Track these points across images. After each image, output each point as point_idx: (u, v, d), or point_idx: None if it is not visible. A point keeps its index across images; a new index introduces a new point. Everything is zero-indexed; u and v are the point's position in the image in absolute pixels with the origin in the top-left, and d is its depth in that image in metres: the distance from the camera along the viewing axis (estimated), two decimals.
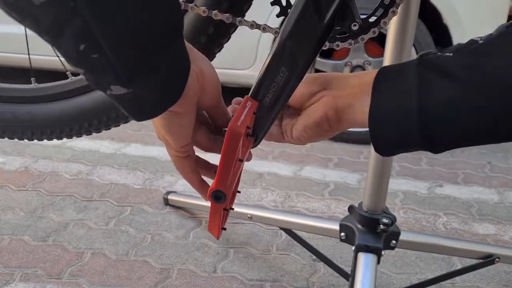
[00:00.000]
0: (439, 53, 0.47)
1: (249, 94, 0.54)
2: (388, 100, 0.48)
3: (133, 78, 0.38)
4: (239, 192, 0.58)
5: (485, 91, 0.42)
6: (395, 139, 0.48)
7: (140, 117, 0.43)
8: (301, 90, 0.54)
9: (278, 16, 0.57)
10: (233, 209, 0.54)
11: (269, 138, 0.58)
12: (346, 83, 0.53)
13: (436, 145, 0.47)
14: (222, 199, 0.48)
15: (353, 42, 0.58)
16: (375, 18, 0.57)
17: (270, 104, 0.54)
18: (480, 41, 0.45)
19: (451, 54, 0.46)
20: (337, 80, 0.54)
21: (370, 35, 0.57)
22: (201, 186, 0.55)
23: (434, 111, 0.45)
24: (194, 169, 0.54)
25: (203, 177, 0.56)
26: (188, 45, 0.43)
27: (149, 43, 0.37)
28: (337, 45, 0.56)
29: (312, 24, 0.51)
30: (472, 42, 0.46)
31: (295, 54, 0.52)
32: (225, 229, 0.53)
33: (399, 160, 1.88)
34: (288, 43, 0.52)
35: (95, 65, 0.36)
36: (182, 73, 0.43)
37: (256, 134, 0.55)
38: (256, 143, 0.55)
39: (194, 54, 0.45)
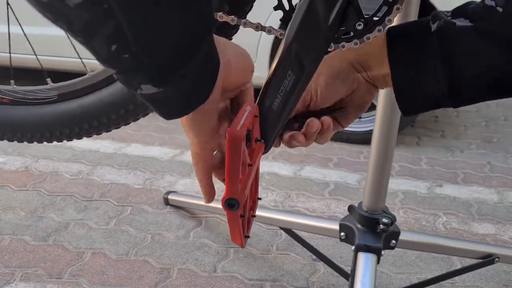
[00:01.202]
0: (453, 21, 0.48)
1: (257, 100, 0.54)
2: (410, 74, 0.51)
3: (164, 78, 0.38)
4: (259, 199, 0.58)
5: None
6: (422, 105, 0.53)
7: (169, 116, 0.44)
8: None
9: (281, 20, 0.57)
10: (254, 216, 0.53)
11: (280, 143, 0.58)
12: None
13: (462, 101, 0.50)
14: (235, 206, 0.48)
15: (358, 42, 0.57)
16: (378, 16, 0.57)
17: (279, 108, 0.53)
18: (500, 10, 0.46)
19: (470, 24, 0.47)
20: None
21: (375, 33, 0.57)
22: (207, 190, 0.55)
23: (465, 85, 0.48)
24: (208, 170, 0.53)
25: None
26: (214, 37, 0.44)
27: (181, 45, 0.38)
28: (343, 46, 0.56)
29: (316, 26, 0.51)
30: (490, 9, 0.47)
31: (301, 57, 0.52)
32: (248, 237, 0.52)
33: (399, 160, 1.89)
34: (294, 47, 0.52)
35: (126, 65, 0.37)
36: (212, 71, 0.43)
37: (266, 139, 0.54)
38: (267, 148, 0.55)
39: (221, 45, 0.45)
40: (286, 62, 0.52)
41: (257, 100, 0.54)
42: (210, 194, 0.54)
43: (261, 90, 0.55)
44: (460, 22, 0.48)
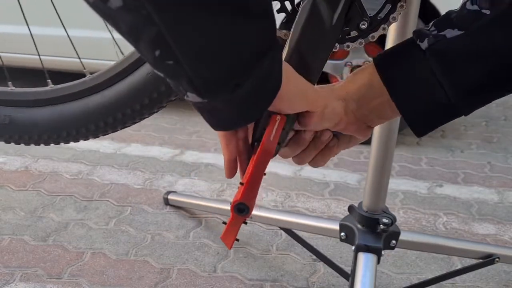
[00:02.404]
0: (441, 34, 0.47)
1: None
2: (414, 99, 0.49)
3: (209, 90, 0.37)
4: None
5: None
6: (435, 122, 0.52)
7: (216, 127, 0.43)
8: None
9: (284, 23, 0.57)
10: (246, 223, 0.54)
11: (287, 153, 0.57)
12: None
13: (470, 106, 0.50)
14: (245, 212, 0.48)
15: (363, 41, 0.57)
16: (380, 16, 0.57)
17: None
18: (487, 12, 0.46)
19: (461, 32, 0.46)
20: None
21: (380, 32, 0.57)
22: (230, 166, 0.53)
23: (467, 95, 0.48)
24: (236, 147, 0.52)
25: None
26: (284, 65, 0.42)
27: (230, 61, 0.36)
28: (348, 46, 0.56)
29: (320, 27, 0.51)
30: (476, 14, 0.46)
31: (307, 59, 0.52)
32: (238, 240, 0.53)
33: (399, 160, 1.89)
34: (299, 49, 0.52)
35: (171, 71, 0.36)
36: (267, 94, 0.42)
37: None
38: (275, 154, 0.55)
39: (288, 72, 0.44)
40: (291, 65, 0.52)
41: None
42: (231, 174, 0.53)
43: None
44: (450, 33, 0.47)
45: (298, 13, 0.52)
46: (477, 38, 0.46)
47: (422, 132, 0.52)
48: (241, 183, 0.49)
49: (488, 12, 0.45)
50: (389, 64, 0.50)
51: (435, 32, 0.48)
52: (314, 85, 0.53)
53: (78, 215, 1.42)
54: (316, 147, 0.56)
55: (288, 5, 0.57)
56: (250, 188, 0.48)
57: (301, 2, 0.53)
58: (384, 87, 0.50)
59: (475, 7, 0.46)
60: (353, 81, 0.53)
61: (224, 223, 0.52)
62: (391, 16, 0.56)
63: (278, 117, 0.50)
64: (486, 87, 0.47)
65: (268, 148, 0.47)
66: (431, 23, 0.49)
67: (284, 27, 0.56)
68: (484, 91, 0.48)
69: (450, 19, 0.48)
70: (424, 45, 0.48)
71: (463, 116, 0.50)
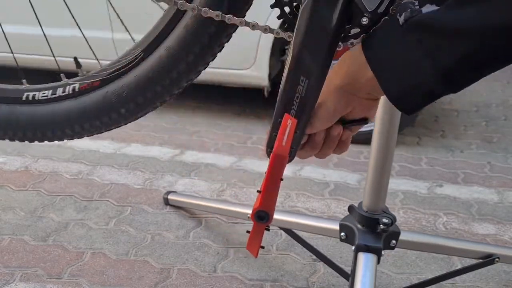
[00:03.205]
0: (418, 9, 0.48)
1: (275, 111, 0.54)
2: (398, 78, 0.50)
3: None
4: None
5: (491, 34, 0.44)
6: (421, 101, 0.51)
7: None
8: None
9: (278, 18, 0.57)
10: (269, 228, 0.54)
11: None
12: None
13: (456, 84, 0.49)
14: (265, 219, 0.48)
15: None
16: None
17: (297, 115, 0.53)
18: None
19: (436, 8, 0.46)
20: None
21: None
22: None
23: (453, 70, 0.47)
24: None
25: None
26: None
27: None
28: (351, 43, 0.56)
29: (322, 28, 0.51)
30: None
31: (311, 61, 0.52)
32: (263, 247, 0.53)
33: (399, 160, 1.89)
34: (302, 52, 0.52)
35: None
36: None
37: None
38: (290, 158, 0.55)
39: None
40: (297, 69, 0.52)
41: (275, 112, 0.54)
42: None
43: (277, 100, 0.54)
44: (427, 9, 0.47)
45: (299, 17, 0.52)
46: (450, 14, 0.45)
47: (408, 110, 0.52)
48: (259, 191, 0.49)
49: None
50: (371, 41, 0.52)
51: (416, 6, 0.48)
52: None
53: (78, 215, 1.42)
54: (330, 146, 0.57)
55: (287, 9, 0.57)
56: (268, 195, 0.48)
57: (300, 6, 0.53)
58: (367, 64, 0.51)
59: None
60: (342, 64, 0.54)
61: (248, 232, 0.52)
62: (392, 8, 0.56)
63: (289, 121, 0.50)
64: (463, 64, 0.46)
65: (281, 153, 0.47)
66: None
67: (288, 29, 0.56)
68: (462, 69, 0.47)
69: None
70: (401, 19, 0.48)
71: (451, 95, 0.50)
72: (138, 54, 0.74)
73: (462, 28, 0.44)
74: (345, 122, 0.58)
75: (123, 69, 0.76)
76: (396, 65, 0.49)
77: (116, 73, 0.77)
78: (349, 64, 0.54)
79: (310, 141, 0.57)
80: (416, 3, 0.48)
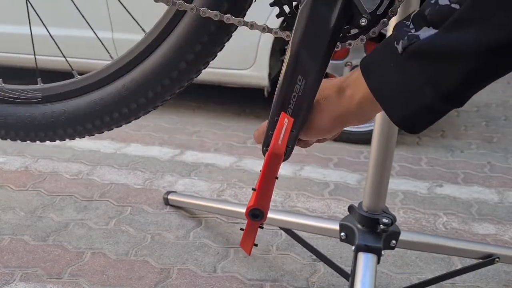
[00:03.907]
0: (415, 34, 0.47)
1: (272, 110, 0.54)
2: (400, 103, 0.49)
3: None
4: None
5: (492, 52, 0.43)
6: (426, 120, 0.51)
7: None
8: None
9: (277, 16, 0.57)
10: (262, 226, 0.54)
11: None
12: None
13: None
14: (259, 217, 0.49)
15: (364, 37, 0.57)
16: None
17: (294, 114, 0.53)
18: (456, 7, 0.44)
19: (434, 31, 0.45)
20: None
21: (381, 27, 0.56)
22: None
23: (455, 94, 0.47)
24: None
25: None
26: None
27: None
28: (349, 44, 0.56)
29: (320, 28, 0.51)
30: (447, 9, 0.45)
31: (309, 61, 0.52)
32: (256, 245, 0.53)
33: (399, 160, 1.89)
34: (300, 52, 0.52)
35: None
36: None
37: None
38: (286, 157, 0.55)
39: None
40: (294, 68, 0.52)
41: (272, 110, 0.54)
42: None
43: (274, 99, 0.54)
44: (424, 33, 0.46)
45: (297, 16, 0.52)
46: (448, 37, 0.44)
47: (415, 131, 0.52)
48: (253, 189, 0.49)
49: (457, 6, 0.44)
50: (373, 73, 0.50)
51: (412, 31, 0.47)
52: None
53: (78, 215, 1.42)
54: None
55: (286, 8, 0.57)
56: (263, 193, 0.48)
57: (300, 5, 0.53)
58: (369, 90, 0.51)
59: (445, 1, 0.44)
60: (352, 95, 0.54)
61: (242, 229, 0.52)
62: (390, 10, 0.56)
63: (286, 120, 0.50)
64: (465, 84, 0.46)
65: (277, 151, 0.47)
66: (411, 16, 0.48)
67: (286, 28, 0.56)
68: (464, 89, 0.46)
69: (424, 16, 0.46)
70: (399, 47, 0.47)
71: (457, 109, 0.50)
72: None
73: (462, 51, 0.44)
74: None
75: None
76: (399, 94, 0.48)
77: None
78: (362, 99, 0.53)
79: (304, 142, 0.60)
80: (412, 26, 0.47)
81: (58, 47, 0.98)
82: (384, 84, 0.49)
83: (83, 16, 0.93)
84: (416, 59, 0.46)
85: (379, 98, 0.50)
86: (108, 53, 0.91)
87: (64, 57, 0.97)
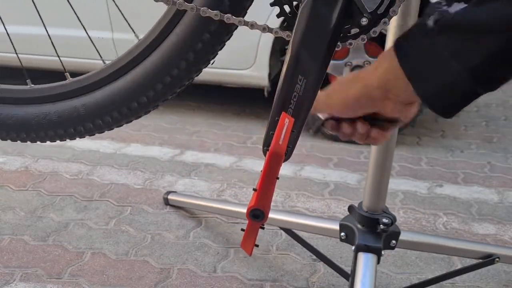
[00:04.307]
0: (446, 9, 0.47)
1: (272, 110, 0.54)
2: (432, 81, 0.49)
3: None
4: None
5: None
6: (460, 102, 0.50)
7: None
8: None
9: (278, 16, 0.57)
10: (263, 227, 0.54)
11: None
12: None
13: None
14: (260, 217, 0.49)
15: (365, 37, 0.57)
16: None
17: (295, 114, 0.53)
18: None
19: (464, 6, 0.46)
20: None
21: (381, 26, 0.56)
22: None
23: (480, 68, 0.46)
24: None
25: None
26: None
27: None
28: (350, 43, 0.56)
29: (321, 28, 0.51)
30: None
31: (310, 61, 0.52)
32: (257, 245, 0.53)
33: (399, 160, 1.88)
34: (301, 52, 0.52)
35: None
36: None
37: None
38: (287, 157, 0.55)
39: None
40: (295, 68, 0.52)
41: (272, 109, 0.54)
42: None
43: (274, 99, 0.54)
44: (453, 8, 0.46)
45: (298, 16, 0.52)
46: (478, 11, 0.44)
47: (445, 113, 0.51)
48: (254, 189, 0.49)
49: None
50: (404, 49, 0.51)
51: (444, 7, 0.47)
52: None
53: (78, 215, 1.42)
54: (359, 139, 0.58)
55: (287, 8, 0.57)
56: (263, 194, 0.48)
57: (300, 5, 0.53)
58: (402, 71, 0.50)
59: None
60: (376, 67, 0.54)
61: (243, 230, 0.52)
62: (391, 9, 0.55)
63: (287, 119, 0.50)
64: (490, 61, 0.45)
65: (278, 151, 0.47)
66: None
67: (287, 28, 0.56)
68: (490, 66, 0.46)
69: None
70: (430, 22, 0.48)
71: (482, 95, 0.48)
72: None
73: (488, 25, 0.44)
74: (371, 119, 0.57)
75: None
76: (428, 70, 0.48)
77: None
78: (385, 71, 0.53)
79: (339, 130, 0.58)
80: (444, 3, 0.47)
81: (54, 48, 0.98)
82: (413, 57, 0.49)
83: (77, 17, 0.93)
84: (446, 33, 0.46)
85: (410, 76, 0.49)
86: (100, 56, 0.91)
87: (59, 57, 0.97)
